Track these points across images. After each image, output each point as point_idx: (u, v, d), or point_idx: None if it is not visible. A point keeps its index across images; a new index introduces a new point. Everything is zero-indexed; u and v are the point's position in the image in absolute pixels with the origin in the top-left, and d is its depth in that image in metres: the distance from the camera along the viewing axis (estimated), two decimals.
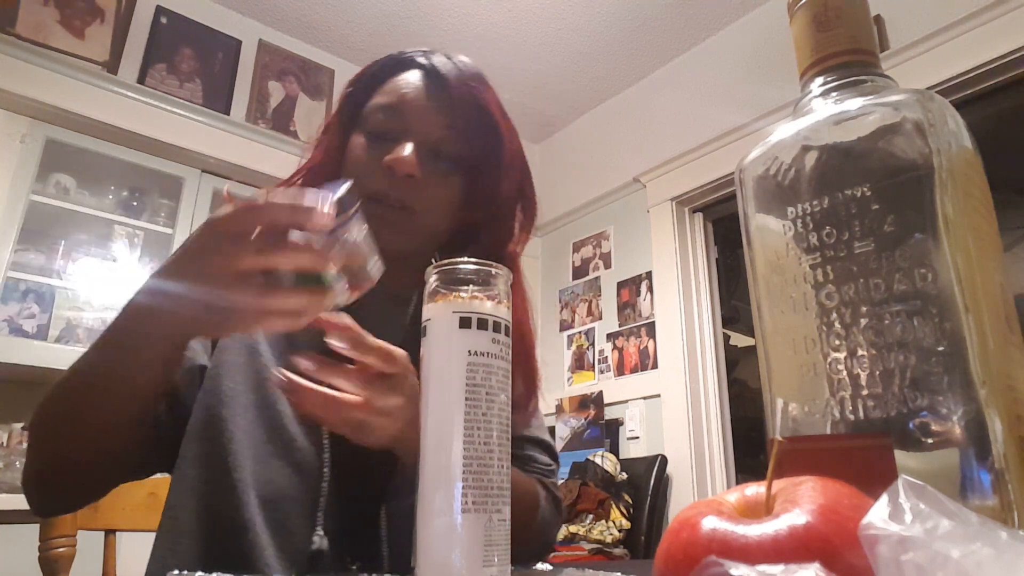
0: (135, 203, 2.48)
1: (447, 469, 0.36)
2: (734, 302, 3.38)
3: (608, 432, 2.81)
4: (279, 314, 0.46)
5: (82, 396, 0.56)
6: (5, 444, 2.10)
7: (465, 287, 0.39)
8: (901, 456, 0.33)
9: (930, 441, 0.33)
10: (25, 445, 0.62)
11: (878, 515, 0.21)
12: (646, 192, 3.01)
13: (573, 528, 2.38)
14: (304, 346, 0.69)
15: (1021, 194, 3.06)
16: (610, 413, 2.87)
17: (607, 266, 3.13)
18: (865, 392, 0.35)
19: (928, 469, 0.33)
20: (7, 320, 2.13)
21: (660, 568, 0.26)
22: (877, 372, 0.35)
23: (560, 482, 2.68)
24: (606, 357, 2.99)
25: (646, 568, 0.31)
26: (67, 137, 2.29)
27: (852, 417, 0.35)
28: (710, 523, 0.26)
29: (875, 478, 0.26)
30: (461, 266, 0.40)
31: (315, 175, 0.78)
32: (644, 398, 2.79)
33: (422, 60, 0.75)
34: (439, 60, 0.74)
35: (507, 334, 0.40)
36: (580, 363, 3.11)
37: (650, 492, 2.47)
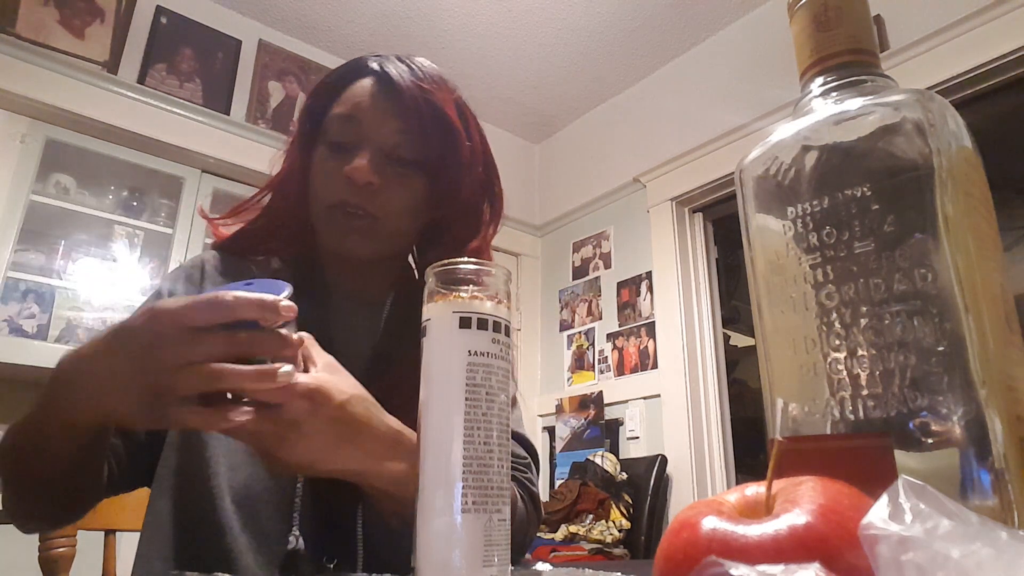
0: (135, 203, 2.48)
1: (447, 469, 0.36)
2: (734, 302, 3.38)
3: (608, 432, 2.81)
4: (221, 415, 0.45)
5: (32, 443, 0.56)
6: None
7: (465, 287, 0.39)
8: (901, 456, 0.33)
9: (930, 441, 0.33)
10: None
11: (878, 515, 0.21)
12: (646, 192, 3.01)
13: (573, 528, 2.38)
14: None
15: (1021, 194, 3.06)
16: (610, 413, 2.87)
17: (607, 266, 3.13)
18: (865, 392, 0.35)
19: (928, 469, 0.33)
20: (7, 320, 2.13)
21: (660, 568, 0.26)
22: (877, 372, 0.35)
23: (560, 482, 2.68)
24: (606, 357, 2.99)
25: (646, 568, 0.31)
26: (67, 137, 2.29)
27: (852, 417, 0.35)
28: (710, 523, 0.26)
29: (875, 478, 0.26)
30: (461, 266, 0.40)
31: (284, 188, 0.79)
32: (644, 398, 2.79)
33: (374, 66, 0.76)
34: (391, 65, 0.75)
35: (507, 334, 0.40)
36: (580, 363, 3.11)
37: (650, 492, 2.47)
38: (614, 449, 2.77)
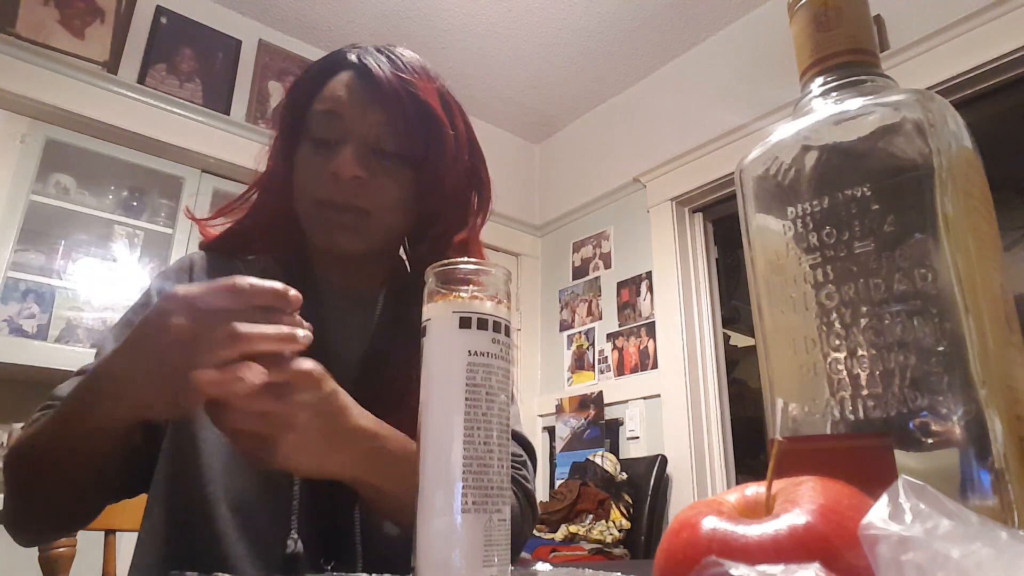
0: (135, 203, 2.48)
1: (447, 469, 0.36)
2: (734, 302, 3.38)
3: (608, 432, 2.81)
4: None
5: (56, 443, 0.56)
6: (5, 444, 2.10)
7: (465, 287, 0.39)
8: (901, 456, 0.33)
9: (930, 441, 0.33)
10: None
11: (878, 515, 0.21)
12: (646, 192, 3.01)
13: (573, 528, 2.38)
14: None
15: (1021, 194, 3.06)
16: (610, 413, 2.87)
17: (607, 266, 3.13)
18: (865, 392, 0.35)
19: (928, 469, 0.33)
20: (7, 320, 2.13)
21: (660, 568, 0.26)
22: (877, 372, 0.35)
23: (560, 482, 2.68)
24: (606, 357, 2.99)
25: (646, 568, 0.31)
26: (67, 137, 2.29)
27: (852, 417, 0.35)
28: (710, 523, 0.26)
29: (875, 478, 0.26)
30: (461, 266, 0.40)
31: (270, 187, 0.79)
32: (644, 398, 2.79)
33: (353, 59, 0.74)
34: (370, 57, 0.74)
35: (507, 334, 0.40)
36: (580, 363, 3.11)
37: (650, 492, 2.47)
38: (614, 449, 2.77)
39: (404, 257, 0.85)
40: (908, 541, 0.20)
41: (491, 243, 3.21)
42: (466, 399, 0.37)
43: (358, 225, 0.72)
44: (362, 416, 0.53)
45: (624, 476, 2.54)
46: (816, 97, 0.41)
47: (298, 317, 0.47)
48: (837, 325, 0.36)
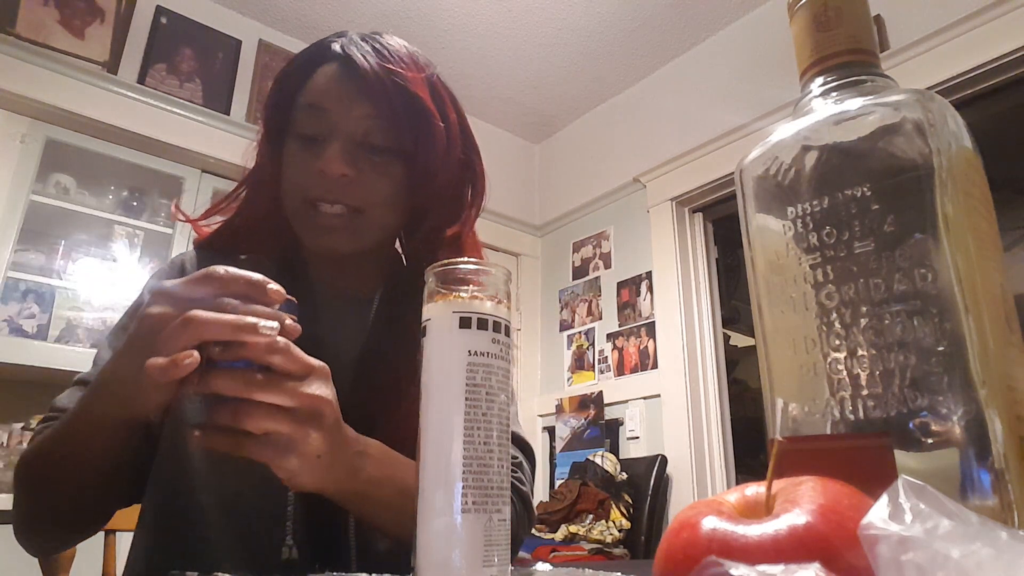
0: (135, 203, 2.48)
1: (447, 469, 0.36)
2: (734, 302, 3.38)
3: (608, 432, 2.81)
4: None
5: (67, 451, 0.57)
6: (5, 444, 2.10)
7: (465, 287, 0.39)
8: (901, 456, 0.33)
9: (930, 441, 0.33)
10: (17, 463, 0.63)
11: (878, 515, 0.21)
12: (646, 192, 3.01)
13: (573, 528, 2.38)
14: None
15: (1021, 194, 3.06)
16: (610, 413, 2.87)
17: (607, 266, 3.13)
18: (865, 392, 0.35)
19: (928, 469, 0.32)
20: (7, 320, 2.13)
21: (660, 568, 0.26)
22: (877, 372, 0.35)
23: (560, 482, 2.68)
24: (606, 357, 2.99)
25: (646, 568, 0.31)
26: (67, 137, 2.29)
27: (852, 417, 0.35)
28: (710, 523, 0.25)
29: (875, 478, 0.26)
30: (461, 266, 0.40)
31: (258, 184, 0.77)
32: (644, 398, 2.79)
33: (337, 49, 0.71)
34: (355, 47, 0.71)
35: (507, 334, 0.40)
36: (580, 363, 3.11)
37: (650, 492, 2.47)
38: (614, 449, 2.77)
39: (401, 252, 0.83)
40: (908, 541, 0.20)
41: (491, 243, 3.21)
42: (466, 399, 0.37)
43: (349, 224, 0.69)
44: (350, 431, 0.53)
45: (624, 476, 2.54)
46: (816, 97, 0.41)
47: (278, 311, 0.46)
48: (837, 325, 0.36)
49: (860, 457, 0.34)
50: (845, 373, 0.36)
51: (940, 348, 0.33)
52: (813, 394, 0.37)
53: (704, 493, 2.51)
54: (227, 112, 2.67)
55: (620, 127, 3.25)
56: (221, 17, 2.78)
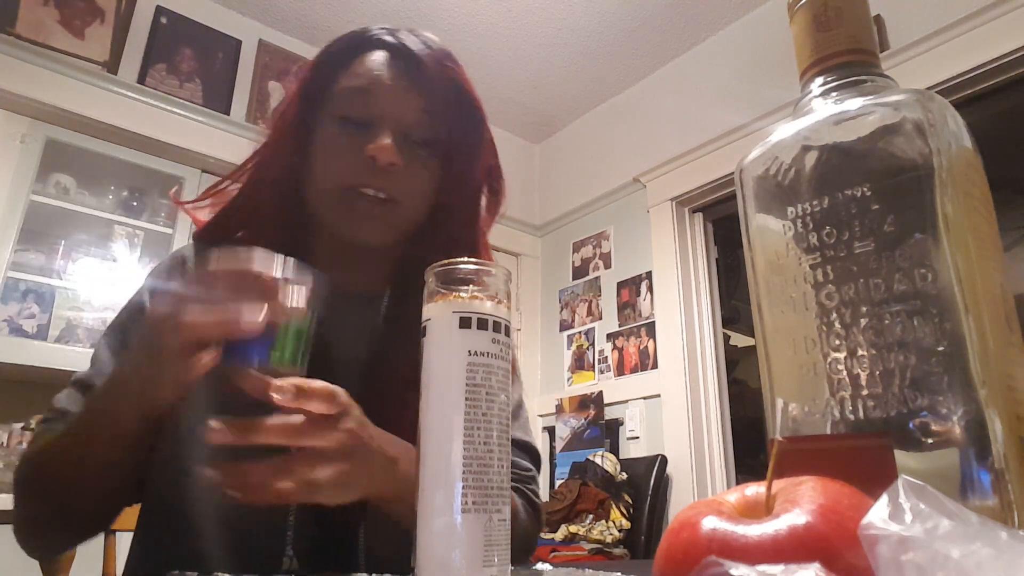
0: (135, 203, 2.48)
1: (447, 469, 0.36)
2: (734, 302, 3.38)
3: (608, 432, 2.81)
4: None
5: (74, 452, 0.57)
6: (5, 444, 2.10)
7: (465, 287, 0.39)
8: (901, 456, 0.33)
9: (930, 441, 0.33)
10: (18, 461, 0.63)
11: (878, 515, 0.21)
12: (646, 192, 3.01)
13: (573, 528, 2.38)
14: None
15: (1021, 194, 3.06)
16: (610, 413, 2.87)
17: (607, 266, 3.13)
18: (865, 392, 0.35)
19: (928, 469, 0.32)
20: (7, 320, 2.13)
21: (660, 568, 0.26)
22: (877, 372, 0.35)
23: (560, 482, 2.68)
24: (606, 357, 2.99)
25: (646, 568, 0.31)
26: (67, 137, 2.29)
27: (852, 417, 0.35)
28: (710, 523, 0.25)
29: (875, 478, 0.26)
30: (461, 266, 0.40)
31: (268, 167, 0.73)
32: (644, 398, 2.79)
33: (390, 39, 0.71)
34: (409, 39, 0.71)
35: (507, 334, 0.40)
36: (580, 363, 3.11)
37: (650, 492, 2.47)
38: (614, 449, 2.77)
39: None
40: (908, 541, 0.20)
41: (491, 243, 3.20)
42: (466, 399, 0.37)
43: (387, 215, 0.67)
44: (376, 430, 0.54)
45: (624, 476, 2.54)
46: (816, 97, 0.41)
47: (287, 280, 0.47)
48: (837, 325, 0.36)
49: (860, 457, 0.34)
50: (845, 373, 0.36)
51: (940, 348, 0.33)
52: (813, 394, 0.37)
53: (704, 493, 2.51)
54: (227, 112, 2.67)
55: (620, 127, 3.25)
56: (221, 17, 2.78)
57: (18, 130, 2.20)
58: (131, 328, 0.69)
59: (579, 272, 3.27)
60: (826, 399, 0.36)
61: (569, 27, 2.88)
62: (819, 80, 0.41)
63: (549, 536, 2.39)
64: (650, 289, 2.89)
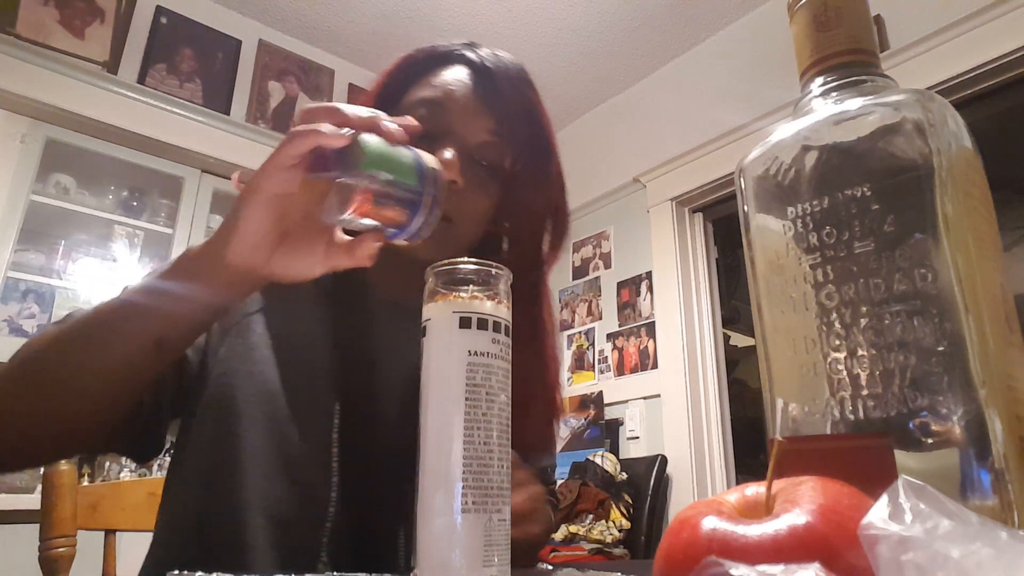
0: (135, 203, 2.48)
1: (447, 469, 0.36)
2: (734, 302, 3.38)
3: (608, 432, 2.81)
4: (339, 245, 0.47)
5: (99, 337, 0.52)
6: None
7: (465, 287, 0.39)
8: (901, 456, 0.33)
9: (930, 441, 0.33)
10: None
11: (878, 515, 0.21)
12: (646, 192, 3.01)
13: (573, 528, 2.38)
14: (312, 355, 0.66)
15: (1021, 194, 3.06)
16: (610, 413, 2.87)
17: (607, 266, 3.13)
18: (865, 392, 0.35)
19: (928, 469, 0.33)
20: (7, 320, 2.13)
21: (660, 568, 0.26)
22: (877, 372, 0.35)
23: (560, 482, 2.68)
24: (606, 357, 2.99)
25: (646, 568, 0.31)
26: (67, 137, 2.29)
27: (852, 417, 0.35)
28: (710, 523, 0.25)
29: (875, 478, 0.26)
30: (461, 266, 0.40)
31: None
32: (644, 398, 2.79)
33: (469, 55, 0.70)
34: (489, 57, 0.69)
35: (507, 334, 0.40)
36: (580, 363, 3.11)
37: (650, 492, 2.47)
38: (614, 449, 2.77)
39: None
40: (908, 541, 0.20)
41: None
42: (466, 399, 0.37)
43: (438, 233, 0.65)
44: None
45: (624, 476, 2.54)
46: (816, 97, 0.41)
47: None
48: (837, 325, 0.36)
49: (860, 457, 0.34)
50: (845, 373, 0.36)
51: (940, 348, 0.33)
52: (813, 394, 0.37)
53: (704, 493, 2.51)
54: (227, 112, 2.67)
55: (620, 127, 3.25)
56: (221, 17, 2.78)
57: (18, 130, 2.20)
58: None
59: (579, 272, 3.27)
60: (826, 399, 0.36)
61: (569, 27, 2.88)
62: (819, 80, 0.41)
63: None
64: (650, 289, 2.89)
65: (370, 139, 0.46)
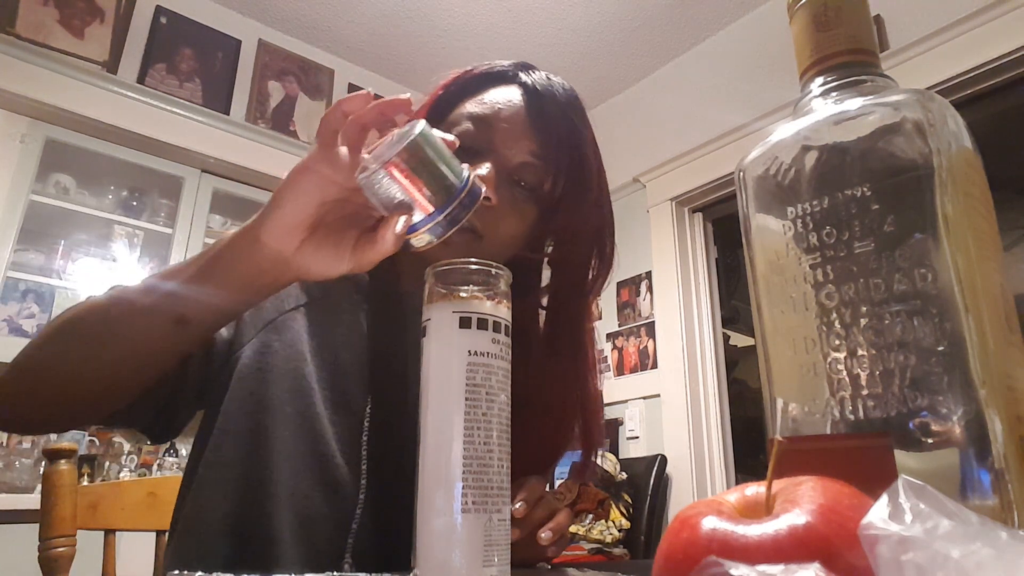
0: (135, 203, 2.48)
1: (447, 469, 0.36)
2: (734, 302, 3.38)
3: (608, 432, 2.81)
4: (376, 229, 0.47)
5: (139, 306, 0.53)
6: (5, 444, 2.10)
7: (465, 287, 0.39)
8: (901, 456, 0.33)
9: (930, 441, 0.33)
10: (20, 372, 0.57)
11: (878, 515, 0.21)
12: (646, 192, 3.01)
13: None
14: (347, 362, 0.67)
15: (1021, 194, 3.06)
16: (610, 413, 2.87)
17: None
18: (865, 392, 0.35)
19: (928, 469, 0.32)
20: (7, 320, 2.13)
21: (660, 568, 0.26)
22: (877, 372, 0.35)
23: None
24: (606, 357, 2.99)
25: (646, 568, 0.31)
26: (67, 137, 2.29)
27: (852, 417, 0.35)
28: (710, 523, 0.25)
29: (875, 478, 0.26)
30: (461, 266, 0.40)
31: None
32: (644, 398, 2.79)
33: (524, 77, 0.71)
34: (540, 80, 0.71)
35: (507, 334, 0.40)
36: None
37: (650, 492, 2.47)
38: (614, 449, 2.77)
39: None
40: (908, 541, 0.20)
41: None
42: (466, 399, 0.37)
43: (467, 246, 0.65)
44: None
45: (624, 476, 2.54)
46: (816, 97, 0.41)
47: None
48: (837, 325, 0.36)
49: (860, 457, 0.34)
50: (845, 373, 0.36)
51: (940, 348, 0.33)
52: (813, 394, 0.37)
53: (704, 493, 2.51)
54: (227, 112, 2.67)
55: (620, 127, 3.25)
56: (221, 17, 2.78)
57: (18, 130, 2.20)
58: None
59: None
60: (826, 399, 0.36)
61: (569, 27, 2.88)
62: (819, 80, 0.41)
63: None
64: (650, 289, 2.89)
65: (428, 128, 0.46)
